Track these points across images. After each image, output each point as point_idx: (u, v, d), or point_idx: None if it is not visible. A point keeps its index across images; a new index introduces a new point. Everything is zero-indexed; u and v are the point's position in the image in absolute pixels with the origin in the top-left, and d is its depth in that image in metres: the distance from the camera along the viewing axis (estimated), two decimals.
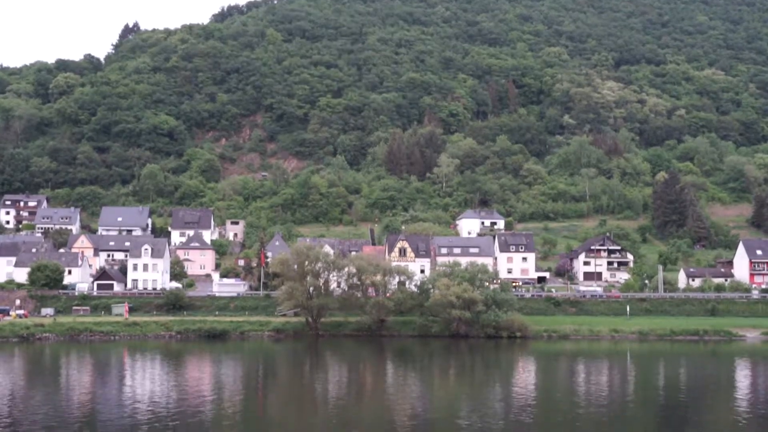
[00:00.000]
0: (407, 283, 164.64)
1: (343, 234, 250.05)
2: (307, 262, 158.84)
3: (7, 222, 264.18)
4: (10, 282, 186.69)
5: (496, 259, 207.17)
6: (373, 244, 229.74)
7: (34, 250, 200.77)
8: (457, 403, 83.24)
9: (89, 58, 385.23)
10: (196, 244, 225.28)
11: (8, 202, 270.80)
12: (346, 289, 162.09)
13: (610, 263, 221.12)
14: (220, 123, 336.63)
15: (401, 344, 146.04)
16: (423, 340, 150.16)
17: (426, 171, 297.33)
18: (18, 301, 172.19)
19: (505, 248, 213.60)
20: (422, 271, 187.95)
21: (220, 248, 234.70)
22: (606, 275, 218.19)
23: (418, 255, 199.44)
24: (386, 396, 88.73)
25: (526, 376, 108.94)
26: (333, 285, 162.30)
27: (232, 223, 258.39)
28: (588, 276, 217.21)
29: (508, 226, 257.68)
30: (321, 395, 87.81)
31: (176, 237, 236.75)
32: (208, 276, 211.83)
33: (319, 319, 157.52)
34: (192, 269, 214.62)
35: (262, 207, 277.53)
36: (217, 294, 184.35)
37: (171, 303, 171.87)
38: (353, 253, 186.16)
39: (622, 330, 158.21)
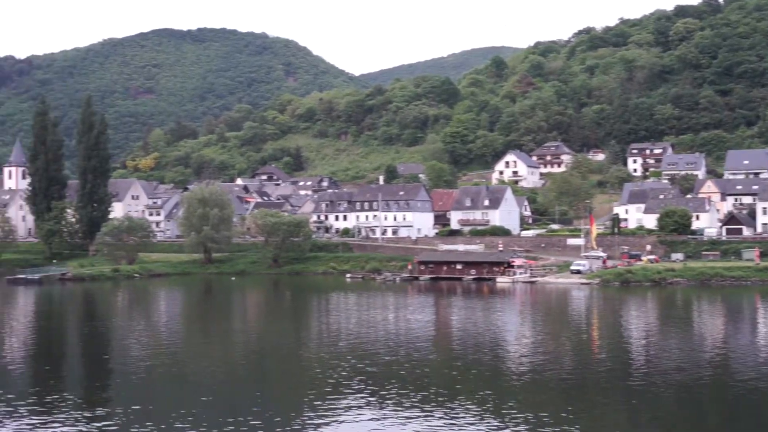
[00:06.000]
0: None
1: None
2: None
3: (635, 170, 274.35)
4: (640, 228, 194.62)
5: None
6: None
7: (661, 196, 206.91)
8: None
9: (708, 2, 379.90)
10: None
11: (635, 151, 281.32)
12: None
13: None
14: None
15: None
16: None
17: None
18: (648, 247, 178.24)
19: None
20: None
21: None
22: None
23: None
24: None
25: None
26: None
27: None
28: None
29: None
30: None
31: None
32: None
33: None
34: None
35: None
36: None
37: None
38: None
39: None
